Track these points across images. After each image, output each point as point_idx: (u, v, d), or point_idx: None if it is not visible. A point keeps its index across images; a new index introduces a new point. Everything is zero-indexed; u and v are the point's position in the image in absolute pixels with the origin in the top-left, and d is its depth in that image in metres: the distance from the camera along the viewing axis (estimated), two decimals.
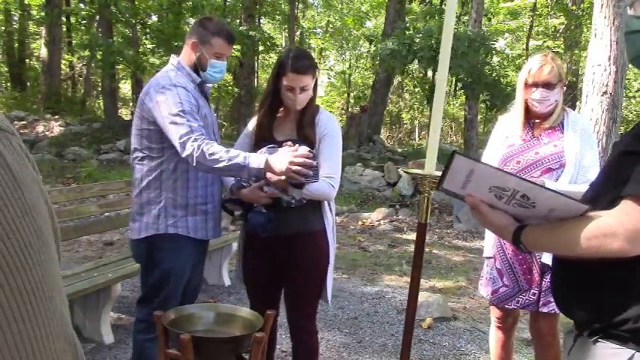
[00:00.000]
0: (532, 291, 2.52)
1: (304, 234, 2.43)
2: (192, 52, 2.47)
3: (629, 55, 1.30)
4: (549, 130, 2.56)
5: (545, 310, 2.52)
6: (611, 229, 1.14)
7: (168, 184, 2.42)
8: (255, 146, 2.48)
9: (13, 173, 0.47)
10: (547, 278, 2.48)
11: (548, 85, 2.48)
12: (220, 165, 2.22)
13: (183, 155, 2.25)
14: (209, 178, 2.48)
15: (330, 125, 2.47)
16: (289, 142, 2.36)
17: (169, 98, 2.31)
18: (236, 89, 15.53)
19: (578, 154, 2.47)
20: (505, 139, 2.63)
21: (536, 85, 2.49)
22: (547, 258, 2.42)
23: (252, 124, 2.60)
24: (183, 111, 2.29)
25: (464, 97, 11.06)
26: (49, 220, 0.52)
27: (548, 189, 1.23)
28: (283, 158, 2.23)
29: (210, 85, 2.63)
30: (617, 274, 1.20)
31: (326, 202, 2.47)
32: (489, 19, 15.05)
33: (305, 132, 2.43)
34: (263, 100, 2.53)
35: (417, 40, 9.34)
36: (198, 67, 2.48)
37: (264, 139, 2.46)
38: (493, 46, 10.40)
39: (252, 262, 2.57)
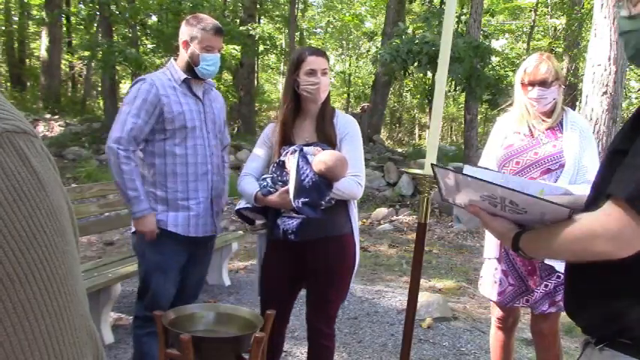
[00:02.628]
0: (538, 291, 2.51)
1: (333, 237, 2.41)
2: (185, 51, 2.54)
3: (627, 54, 1.31)
4: (548, 130, 2.55)
5: (546, 310, 2.52)
6: (591, 230, 1.12)
7: (148, 179, 2.53)
8: (279, 152, 2.45)
9: (38, 176, 0.49)
10: (551, 279, 2.48)
11: (544, 84, 2.48)
12: (118, 179, 2.46)
13: (107, 146, 2.46)
14: (190, 175, 2.52)
15: (350, 125, 2.49)
16: (318, 147, 2.37)
17: (129, 93, 2.50)
18: (236, 92, 15.52)
19: (578, 155, 2.46)
20: (504, 139, 2.63)
21: (532, 84, 2.49)
22: (549, 259, 2.42)
23: (270, 133, 2.54)
24: (130, 109, 2.46)
25: (464, 97, 11.06)
26: (70, 220, 0.54)
27: (528, 194, 1.21)
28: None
29: (210, 81, 2.68)
30: (621, 280, 1.18)
31: (352, 205, 2.47)
32: (492, 16, 15.02)
33: (325, 133, 2.43)
34: (283, 104, 2.50)
35: (416, 45, 9.35)
36: (192, 64, 2.55)
37: (284, 142, 2.45)
38: (488, 51, 10.38)
39: (275, 266, 2.52)
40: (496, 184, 1.25)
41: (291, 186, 2.25)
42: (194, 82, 2.59)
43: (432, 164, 1.29)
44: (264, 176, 2.44)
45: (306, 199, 2.23)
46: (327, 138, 2.42)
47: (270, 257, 2.53)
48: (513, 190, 1.22)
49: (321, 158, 2.28)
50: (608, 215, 1.10)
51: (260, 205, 2.41)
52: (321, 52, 2.45)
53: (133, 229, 2.57)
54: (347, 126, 2.47)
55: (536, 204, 1.20)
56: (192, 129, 2.51)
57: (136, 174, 2.45)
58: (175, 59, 2.63)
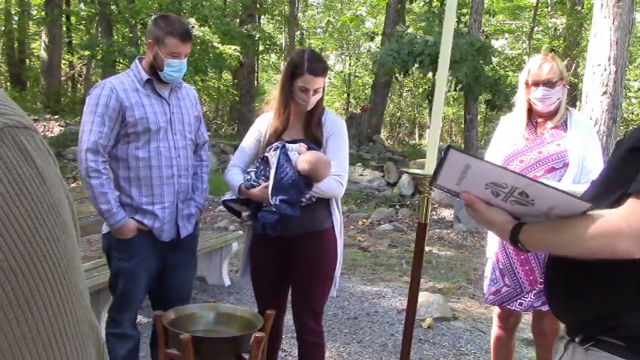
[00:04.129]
0: (534, 292, 2.51)
1: (314, 232, 2.43)
2: (150, 52, 2.46)
3: None
4: (553, 129, 2.56)
5: (547, 309, 2.51)
6: (617, 228, 1.08)
7: (115, 182, 2.49)
8: (267, 147, 2.49)
9: (39, 170, 0.49)
10: None
11: (549, 84, 2.48)
12: (88, 192, 2.43)
13: (78, 158, 2.42)
14: (154, 179, 2.47)
15: (337, 125, 2.50)
16: (304, 145, 2.40)
17: (89, 101, 2.43)
18: (235, 92, 15.53)
19: (582, 154, 2.46)
20: (507, 138, 2.63)
21: (536, 84, 2.50)
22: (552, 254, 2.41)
23: (256, 128, 2.57)
24: (94, 118, 2.39)
25: (464, 97, 11.05)
26: (70, 214, 0.54)
27: (549, 186, 1.19)
28: None
29: (173, 83, 2.56)
30: (609, 277, 1.16)
31: (334, 201, 2.48)
32: (492, 16, 15.02)
33: (312, 132, 2.46)
34: (276, 101, 2.51)
35: (417, 46, 9.36)
36: (155, 67, 2.46)
37: (274, 136, 2.48)
38: (491, 50, 10.39)
39: (261, 262, 2.56)
40: (514, 172, 1.22)
41: (270, 183, 2.29)
42: (158, 82, 2.49)
43: (449, 145, 1.25)
44: (249, 169, 2.48)
45: (284, 197, 2.27)
46: (313, 136, 2.45)
47: (255, 251, 2.57)
48: (534, 180, 1.19)
49: (305, 158, 2.32)
50: (634, 213, 1.07)
51: (243, 197, 2.45)
52: (319, 70, 2.37)
53: (105, 231, 2.52)
54: (334, 126, 2.49)
55: (552, 196, 1.16)
56: (155, 131, 2.43)
57: (106, 186, 2.40)
58: (141, 59, 2.54)
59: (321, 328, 2.59)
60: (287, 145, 2.39)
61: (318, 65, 2.38)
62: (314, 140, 2.44)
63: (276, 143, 2.42)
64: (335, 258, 2.49)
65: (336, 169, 2.40)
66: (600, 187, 1.26)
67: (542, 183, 1.19)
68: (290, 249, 2.45)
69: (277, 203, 2.26)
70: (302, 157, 2.33)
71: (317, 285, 2.49)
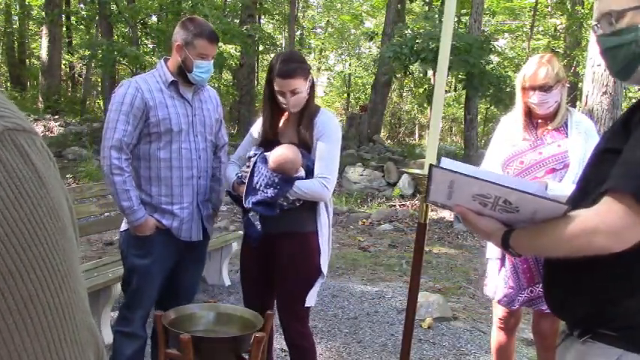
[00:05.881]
0: (531, 289, 2.51)
1: (296, 233, 2.41)
2: (178, 55, 2.49)
3: (614, 69, 1.29)
4: (553, 130, 2.55)
5: (545, 309, 2.51)
6: (593, 226, 1.14)
7: (136, 181, 2.51)
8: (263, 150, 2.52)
9: (39, 173, 0.49)
10: None
11: (545, 88, 2.47)
12: (111, 189, 2.46)
13: (101, 155, 2.45)
14: (174, 179, 2.49)
15: (328, 125, 2.45)
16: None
17: (115, 99, 2.46)
18: (235, 92, 15.53)
19: (582, 155, 2.46)
20: (508, 139, 2.63)
21: (532, 88, 2.49)
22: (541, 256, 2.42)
23: (255, 128, 2.61)
24: (119, 116, 2.41)
25: (464, 97, 11.05)
26: (70, 217, 0.54)
27: (527, 192, 1.24)
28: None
29: (202, 85, 2.61)
30: (604, 272, 1.21)
31: (321, 205, 2.44)
32: (492, 16, 15.03)
33: (302, 134, 2.42)
34: (263, 104, 2.56)
35: (419, 42, 9.36)
36: (184, 69, 2.50)
37: (269, 142, 2.48)
38: (494, 43, 10.41)
39: (247, 261, 2.60)
40: (498, 184, 1.27)
41: (245, 188, 2.34)
42: (183, 84, 2.53)
43: (430, 164, 1.31)
44: (243, 169, 2.50)
45: (259, 198, 2.30)
46: (303, 139, 2.42)
47: (243, 248, 2.62)
48: (511, 188, 1.25)
49: (271, 154, 2.34)
50: (610, 211, 1.12)
51: (236, 193, 2.47)
52: (289, 74, 2.32)
53: (124, 228, 2.57)
54: (325, 127, 2.43)
55: (532, 201, 1.23)
56: (177, 132, 2.47)
57: (129, 184, 2.43)
58: (166, 59, 2.57)
59: (309, 331, 2.57)
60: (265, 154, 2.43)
61: (287, 67, 2.33)
62: (304, 142, 2.41)
63: (252, 151, 2.46)
64: (317, 263, 2.43)
65: (322, 171, 2.35)
66: (582, 188, 1.32)
67: (521, 190, 1.24)
68: (272, 249, 2.43)
69: (251, 206, 2.30)
70: (270, 155, 2.36)
71: (298, 288, 2.45)
